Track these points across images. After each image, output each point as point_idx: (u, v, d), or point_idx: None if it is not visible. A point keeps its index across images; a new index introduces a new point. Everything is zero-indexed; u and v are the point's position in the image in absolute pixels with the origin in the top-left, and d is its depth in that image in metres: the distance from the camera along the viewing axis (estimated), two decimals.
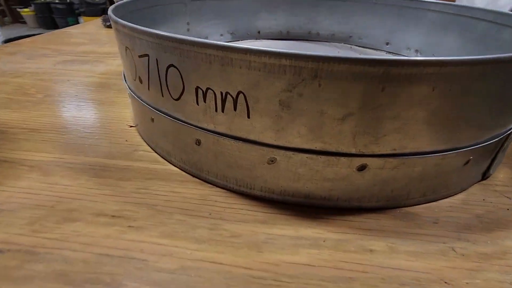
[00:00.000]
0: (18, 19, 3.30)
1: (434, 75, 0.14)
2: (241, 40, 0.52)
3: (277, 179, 0.19)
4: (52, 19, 3.19)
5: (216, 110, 0.18)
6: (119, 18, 0.21)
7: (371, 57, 0.13)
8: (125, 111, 0.31)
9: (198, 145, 0.20)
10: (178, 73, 0.18)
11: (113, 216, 0.18)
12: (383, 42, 0.48)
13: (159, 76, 0.19)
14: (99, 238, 0.17)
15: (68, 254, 0.16)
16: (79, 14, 3.34)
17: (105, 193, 0.20)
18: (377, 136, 0.16)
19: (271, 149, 0.18)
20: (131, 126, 0.28)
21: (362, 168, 0.17)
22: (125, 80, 0.26)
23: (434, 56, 0.40)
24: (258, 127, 0.17)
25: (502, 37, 0.31)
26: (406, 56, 0.45)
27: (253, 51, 0.15)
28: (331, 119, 0.16)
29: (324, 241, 0.17)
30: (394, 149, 0.17)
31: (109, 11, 0.24)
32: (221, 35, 0.50)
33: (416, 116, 0.16)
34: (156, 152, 0.24)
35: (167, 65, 0.18)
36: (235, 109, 0.17)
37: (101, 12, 3.28)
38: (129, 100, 0.28)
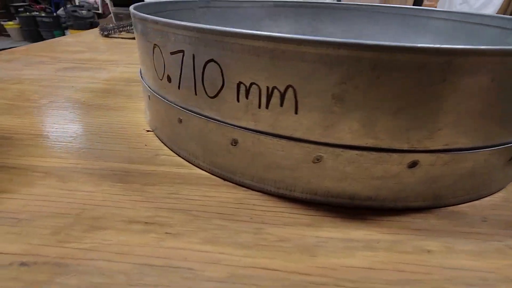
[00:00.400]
0: (1, 33, 3.22)
1: (496, 65, 0.14)
2: None
3: (322, 179, 0.18)
4: (38, 33, 3.14)
5: (259, 107, 0.17)
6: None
7: (436, 46, 0.13)
8: (138, 116, 0.30)
9: (234, 145, 0.19)
10: (218, 68, 0.17)
11: (146, 223, 0.17)
12: None
13: (194, 73, 0.18)
14: (135, 246, 0.15)
15: (103, 265, 0.14)
16: (66, 28, 3.30)
17: (133, 199, 0.19)
18: (432, 130, 0.16)
19: (318, 147, 0.17)
20: (148, 131, 0.27)
21: (413, 164, 0.17)
22: (145, 82, 0.25)
23: None
24: (306, 124, 0.16)
25: (511, 42, 0.32)
26: None
27: (309, 42, 0.14)
28: (387, 113, 0.15)
29: (377, 243, 0.16)
30: (447, 144, 0.16)
31: (132, 9, 0.23)
32: None
33: (472, 109, 0.15)
34: (180, 156, 0.23)
35: (205, 61, 0.17)
36: (281, 104, 0.16)
37: (89, 25, 3.25)
38: (145, 104, 0.27)
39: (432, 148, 0.16)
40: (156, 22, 0.19)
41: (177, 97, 0.20)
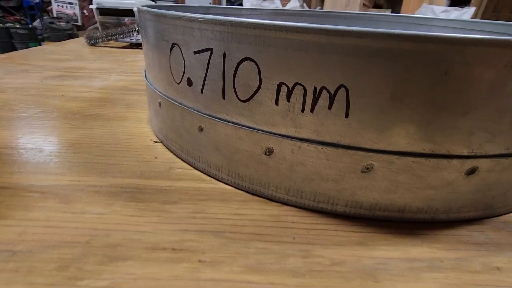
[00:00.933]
0: None
1: None
2: None
3: (369, 191, 0.16)
4: (12, 44, 3.01)
5: (302, 110, 0.15)
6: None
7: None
8: (142, 126, 0.27)
9: (269, 155, 0.17)
10: (255, 67, 0.15)
11: (174, 249, 0.14)
12: None
13: (223, 74, 0.16)
14: (167, 280, 0.12)
15: None
16: (43, 40, 3.19)
17: (153, 220, 0.16)
18: (495, 132, 0.14)
19: (369, 154, 0.15)
20: (156, 142, 0.24)
21: (471, 171, 0.15)
22: (153, 87, 0.23)
23: None
24: (356, 128, 0.14)
25: None
26: None
27: (369, 34, 0.12)
28: (450, 114, 0.14)
29: (442, 262, 0.14)
30: (507, 148, 0.15)
31: (143, 7, 0.21)
32: None
33: None
34: (197, 169, 0.21)
35: (239, 59, 0.15)
36: (330, 107, 0.14)
37: (67, 37, 3.16)
38: (151, 112, 0.24)
39: (492, 152, 0.15)
40: (179, 18, 0.17)
41: (199, 102, 0.18)
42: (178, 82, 0.19)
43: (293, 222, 0.16)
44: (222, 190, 0.19)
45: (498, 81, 0.13)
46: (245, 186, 0.18)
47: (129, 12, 0.75)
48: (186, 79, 0.18)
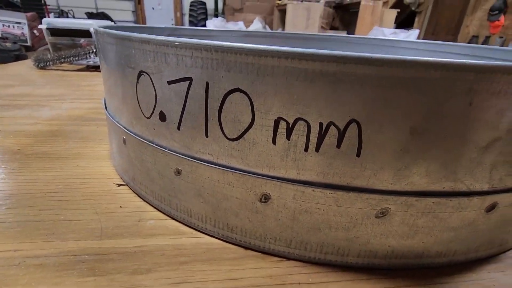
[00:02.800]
0: None
1: None
2: None
3: (385, 238, 0.14)
4: None
5: (305, 150, 0.12)
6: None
7: None
8: (103, 165, 0.23)
9: (265, 202, 0.14)
10: (247, 100, 0.12)
11: None
12: None
13: (206, 108, 0.13)
14: None
15: None
16: None
17: None
18: None
19: (385, 197, 0.13)
20: (120, 185, 0.20)
21: (491, 207, 0.14)
22: (115, 120, 0.19)
23: None
24: (371, 168, 0.12)
25: None
26: None
27: (388, 62, 0.10)
28: (474, 147, 0.12)
29: None
30: None
31: (103, 28, 0.17)
32: None
33: None
34: (174, 219, 0.17)
35: (227, 91, 0.12)
36: (339, 145, 0.12)
37: (14, 59, 2.91)
38: (113, 147, 0.21)
39: (511, 185, 0.14)
40: (148, 41, 0.14)
41: (175, 140, 0.15)
42: (148, 116, 0.16)
43: (300, 283, 0.13)
44: (209, 246, 0.15)
45: None
46: (236, 239, 0.15)
47: (84, 33, 0.70)
48: (158, 113, 0.15)
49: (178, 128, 0.15)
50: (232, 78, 0.12)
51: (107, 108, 0.21)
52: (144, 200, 0.19)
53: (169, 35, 0.39)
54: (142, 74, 0.15)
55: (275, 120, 0.12)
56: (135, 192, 0.19)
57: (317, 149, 0.12)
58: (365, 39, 0.46)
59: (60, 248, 0.14)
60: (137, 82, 0.15)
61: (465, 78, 0.11)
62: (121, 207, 0.18)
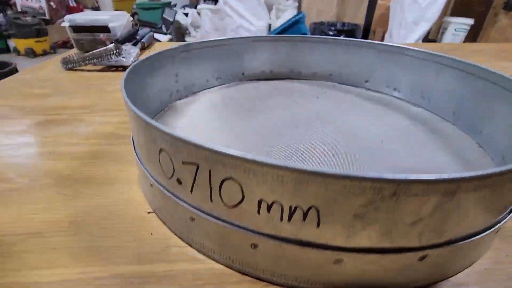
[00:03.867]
0: None
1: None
2: (227, 84, 0.52)
3: (342, 276, 0.19)
4: None
5: (281, 220, 0.17)
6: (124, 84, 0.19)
7: (448, 177, 0.14)
8: (134, 189, 0.29)
9: (254, 248, 0.19)
10: (238, 186, 0.17)
11: None
12: (362, 80, 0.51)
13: (210, 185, 0.18)
14: None
15: None
16: (8, 37, 3.00)
17: None
18: (440, 232, 0.17)
19: (339, 252, 0.18)
20: (149, 212, 0.26)
21: (423, 257, 0.18)
22: (143, 166, 0.24)
23: (412, 93, 0.43)
24: (327, 234, 0.17)
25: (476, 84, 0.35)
26: (385, 94, 0.49)
27: (335, 176, 0.15)
28: (403, 225, 0.16)
29: None
30: (450, 240, 0.18)
31: (128, 101, 0.22)
32: (207, 80, 0.49)
33: (474, 212, 0.17)
34: (192, 247, 0.23)
35: (222, 178, 0.17)
36: (304, 220, 0.17)
37: (35, 33, 2.98)
38: (140, 177, 0.26)
39: (438, 242, 0.18)
40: (165, 133, 0.18)
41: (189, 199, 0.20)
42: (169, 177, 0.21)
43: None
44: (216, 271, 0.21)
45: (435, 204, 0.15)
46: (236, 267, 0.21)
47: (103, 29, 0.73)
48: (176, 178, 0.20)
49: (191, 192, 0.20)
50: (226, 171, 0.17)
51: (135, 150, 0.26)
52: (169, 228, 0.24)
53: (182, 52, 0.43)
54: (163, 151, 0.20)
55: (258, 200, 0.17)
56: (161, 220, 0.25)
57: (288, 220, 0.17)
58: (370, 44, 0.47)
59: (114, 271, 0.21)
60: (159, 154, 0.20)
61: (389, 187, 0.15)
62: (151, 234, 0.24)
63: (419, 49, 0.42)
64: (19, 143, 0.36)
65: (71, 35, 0.74)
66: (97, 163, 0.33)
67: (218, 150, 0.16)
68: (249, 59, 0.52)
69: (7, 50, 3.12)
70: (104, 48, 0.62)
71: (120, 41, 0.73)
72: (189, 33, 2.70)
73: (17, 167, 0.32)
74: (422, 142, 0.35)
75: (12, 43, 3.01)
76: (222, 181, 0.17)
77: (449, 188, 0.15)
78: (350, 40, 0.49)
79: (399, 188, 0.15)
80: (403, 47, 0.44)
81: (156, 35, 2.83)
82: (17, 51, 3.03)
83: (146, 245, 0.23)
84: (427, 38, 2.50)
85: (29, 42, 2.94)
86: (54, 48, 3.13)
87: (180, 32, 2.74)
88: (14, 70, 1.64)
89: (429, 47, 0.88)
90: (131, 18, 0.85)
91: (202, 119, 0.40)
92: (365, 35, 2.42)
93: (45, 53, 3.10)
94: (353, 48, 0.50)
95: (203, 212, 0.20)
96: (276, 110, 0.43)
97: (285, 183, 0.16)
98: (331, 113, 0.42)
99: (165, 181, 0.21)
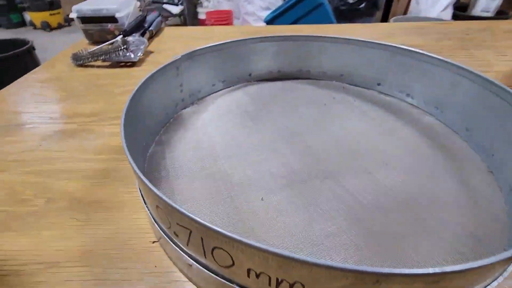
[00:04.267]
0: None
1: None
2: (233, 86, 0.51)
3: None
4: None
5: (269, 285, 0.18)
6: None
7: (432, 271, 0.14)
8: (140, 216, 0.30)
9: None
10: (228, 255, 0.18)
11: None
12: (374, 82, 0.49)
13: (203, 248, 0.19)
14: None
15: None
16: (23, 9, 3.00)
17: None
18: None
19: None
20: (154, 242, 0.28)
21: None
22: (148, 207, 0.25)
23: (426, 101, 0.41)
24: None
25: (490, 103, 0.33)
26: (398, 98, 0.47)
27: (318, 265, 0.15)
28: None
29: None
30: None
31: (123, 141, 0.22)
32: (213, 85, 0.49)
33: None
34: (192, 282, 0.25)
35: (213, 246, 0.18)
36: None
37: (48, 6, 2.96)
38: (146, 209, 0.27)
39: None
40: (169, 205, 0.19)
41: (186, 249, 0.21)
42: (168, 227, 0.22)
43: None
44: None
45: None
46: None
47: (111, 19, 0.72)
48: (173, 231, 0.21)
49: (187, 245, 0.21)
50: (216, 242, 0.17)
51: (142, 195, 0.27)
52: (170, 260, 0.26)
53: (187, 60, 0.42)
54: (159, 208, 0.20)
55: (247, 269, 0.18)
56: (164, 250, 0.27)
57: (276, 287, 0.18)
58: (377, 45, 0.44)
59: None
60: (157, 209, 0.21)
61: (373, 277, 0.15)
62: (155, 266, 0.26)
63: (436, 56, 0.39)
64: (30, 158, 0.38)
65: (80, 26, 0.73)
66: (106, 183, 0.34)
67: (207, 225, 0.17)
68: (256, 60, 0.50)
69: (23, 23, 3.13)
70: (111, 44, 0.61)
71: (128, 32, 0.72)
72: (201, 3, 2.59)
73: (33, 187, 0.34)
74: (430, 163, 0.34)
75: (27, 16, 3.02)
76: (213, 249, 0.18)
77: (433, 279, 0.15)
78: (362, 40, 0.46)
79: (381, 277, 0.15)
80: (417, 52, 0.41)
81: (168, 6, 2.75)
82: (33, 25, 3.04)
83: (151, 279, 0.24)
84: (459, 2, 2.29)
85: (44, 15, 2.94)
86: (68, 21, 3.11)
87: (191, 2, 2.64)
88: (31, 49, 1.66)
89: (454, 26, 0.81)
90: (138, 3, 0.83)
91: (207, 132, 0.40)
92: (389, 2, 2.23)
93: (60, 26, 3.10)
94: (365, 49, 0.47)
95: (199, 264, 0.21)
96: (275, 121, 0.42)
97: (270, 262, 0.16)
98: (335, 124, 0.41)
99: (165, 227, 0.23)
